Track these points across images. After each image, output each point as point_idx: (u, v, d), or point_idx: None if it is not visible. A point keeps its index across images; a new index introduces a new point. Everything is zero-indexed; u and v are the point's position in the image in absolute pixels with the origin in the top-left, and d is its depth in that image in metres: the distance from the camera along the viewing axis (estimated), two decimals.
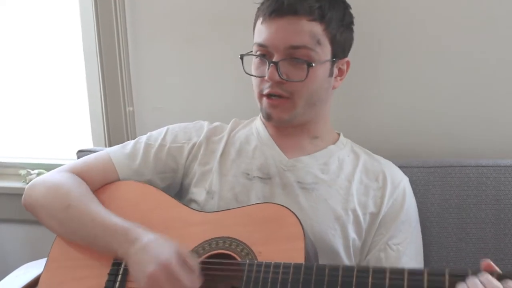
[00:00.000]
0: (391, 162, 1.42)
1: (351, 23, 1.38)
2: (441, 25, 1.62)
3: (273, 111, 1.34)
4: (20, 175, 2.07)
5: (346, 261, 1.29)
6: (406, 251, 1.31)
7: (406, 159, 1.54)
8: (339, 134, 1.45)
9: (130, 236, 1.21)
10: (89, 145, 1.94)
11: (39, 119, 2.15)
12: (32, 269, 1.57)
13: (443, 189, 1.50)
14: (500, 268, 1.03)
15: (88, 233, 1.27)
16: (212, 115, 1.55)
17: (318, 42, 1.29)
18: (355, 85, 1.53)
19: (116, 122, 1.90)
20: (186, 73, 1.82)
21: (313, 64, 1.28)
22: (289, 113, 1.34)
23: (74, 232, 1.30)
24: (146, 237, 1.20)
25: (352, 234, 1.30)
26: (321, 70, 1.31)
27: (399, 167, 1.42)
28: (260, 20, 1.32)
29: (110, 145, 1.87)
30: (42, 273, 1.31)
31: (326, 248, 1.27)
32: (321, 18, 1.28)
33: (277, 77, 1.29)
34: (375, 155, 1.43)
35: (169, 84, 1.86)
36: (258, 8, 1.35)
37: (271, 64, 1.29)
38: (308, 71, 1.28)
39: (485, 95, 1.63)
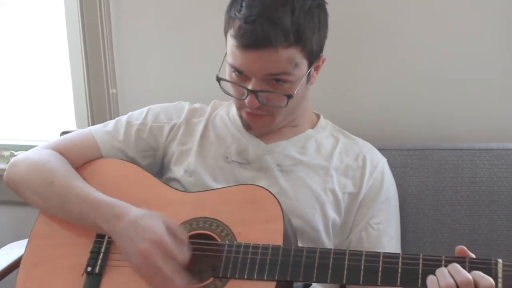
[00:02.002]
0: (369, 144, 1.44)
1: (326, 20, 1.31)
2: (419, 10, 1.63)
3: (253, 124, 1.35)
4: (3, 156, 2.07)
5: (325, 239, 1.31)
6: (387, 230, 1.34)
7: (384, 142, 1.56)
8: (318, 116, 1.46)
9: (117, 211, 1.20)
10: (73, 127, 1.93)
11: (23, 100, 2.14)
12: (16, 249, 1.58)
13: (420, 172, 1.52)
14: (474, 250, 1.06)
15: (72, 208, 1.26)
16: (194, 96, 1.56)
17: (296, 65, 1.24)
18: (334, 69, 1.54)
19: (99, 104, 1.90)
20: (169, 55, 1.82)
21: (293, 95, 1.26)
22: (269, 126, 1.35)
23: (58, 207, 1.29)
24: (134, 212, 1.19)
25: (332, 214, 1.32)
26: (300, 88, 1.28)
27: (377, 149, 1.44)
28: (234, 42, 1.24)
29: None
30: (24, 251, 1.30)
31: (306, 227, 1.29)
32: (297, 41, 1.22)
33: (257, 104, 1.27)
34: (354, 137, 1.44)
35: (152, 66, 1.86)
36: (229, 15, 1.26)
37: (250, 92, 1.26)
38: (288, 101, 1.27)
39: (462, 80, 1.65)
